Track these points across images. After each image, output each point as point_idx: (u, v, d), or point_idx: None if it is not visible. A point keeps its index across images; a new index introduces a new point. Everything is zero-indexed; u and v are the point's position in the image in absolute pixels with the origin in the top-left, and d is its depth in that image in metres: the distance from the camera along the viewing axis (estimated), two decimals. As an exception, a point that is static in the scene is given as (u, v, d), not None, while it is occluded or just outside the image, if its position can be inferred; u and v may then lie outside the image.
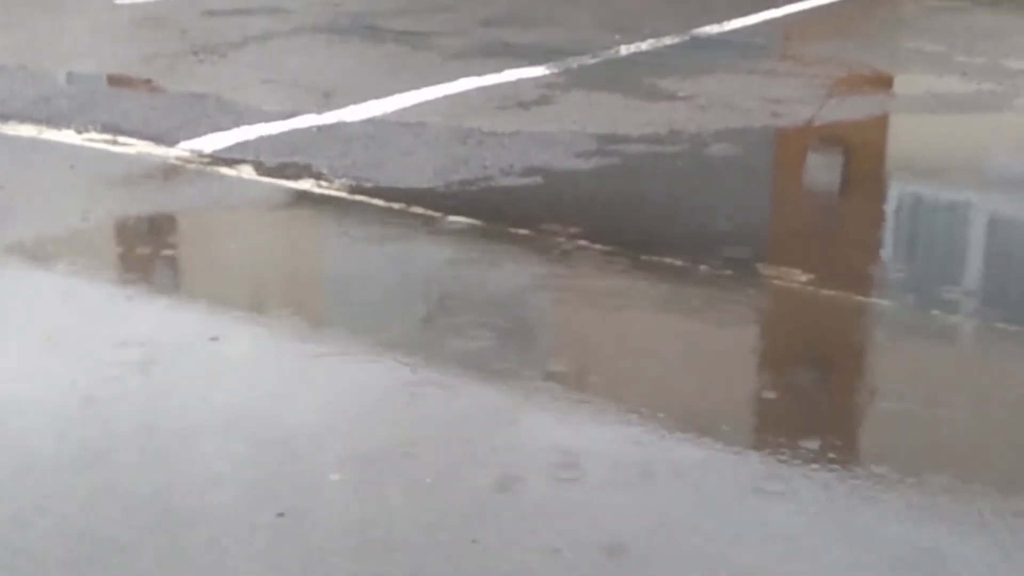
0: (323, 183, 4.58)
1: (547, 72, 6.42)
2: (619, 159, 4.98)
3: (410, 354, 3.19)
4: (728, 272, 3.81)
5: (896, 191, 4.86)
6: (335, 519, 2.46)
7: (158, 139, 5.11)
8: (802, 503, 2.52)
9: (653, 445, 2.74)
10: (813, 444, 2.75)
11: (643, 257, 3.91)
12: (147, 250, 4.11)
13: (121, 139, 5.13)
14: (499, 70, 6.38)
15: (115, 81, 6.32)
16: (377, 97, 5.76)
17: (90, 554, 2.33)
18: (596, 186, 4.68)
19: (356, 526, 2.43)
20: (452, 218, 4.22)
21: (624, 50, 7.10)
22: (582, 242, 4.01)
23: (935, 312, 3.59)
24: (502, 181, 4.65)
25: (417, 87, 5.95)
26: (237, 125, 5.28)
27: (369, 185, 4.55)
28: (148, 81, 6.18)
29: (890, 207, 4.68)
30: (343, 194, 4.48)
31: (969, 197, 4.69)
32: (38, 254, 3.92)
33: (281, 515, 2.45)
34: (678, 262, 3.86)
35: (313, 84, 6.05)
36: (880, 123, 5.81)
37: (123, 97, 5.89)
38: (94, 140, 5.13)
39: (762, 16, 8.22)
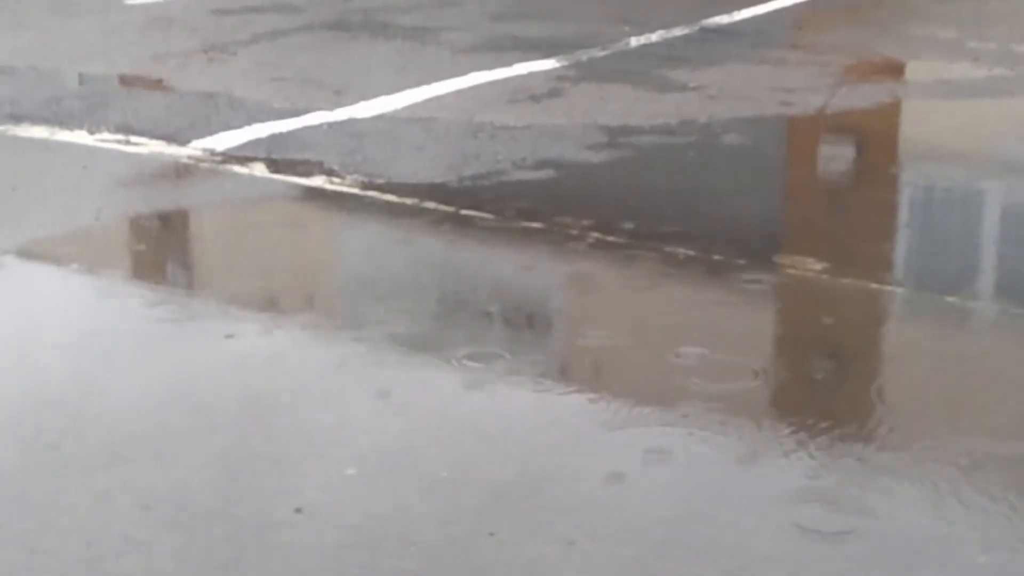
0: (335, 180, 4.59)
1: (557, 65, 6.42)
2: (631, 151, 4.98)
3: (424, 348, 3.19)
4: (742, 261, 3.80)
5: (909, 178, 4.85)
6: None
7: (170, 138, 5.12)
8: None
9: (668, 432, 2.75)
10: (831, 431, 2.76)
11: (656, 248, 3.90)
12: (160, 248, 4.12)
13: (133, 139, 5.14)
14: (509, 64, 6.38)
15: (126, 81, 6.33)
16: (387, 93, 5.77)
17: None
18: (608, 178, 4.67)
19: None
20: (465, 212, 4.23)
21: (634, 42, 7.10)
22: (595, 234, 4.01)
23: (951, 299, 3.58)
24: (514, 175, 4.65)
25: (427, 82, 5.96)
26: (248, 123, 5.30)
27: (381, 181, 4.56)
28: (159, 81, 6.20)
29: (903, 194, 4.67)
30: (355, 190, 4.49)
31: (983, 183, 4.68)
32: (52, 254, 3.93)
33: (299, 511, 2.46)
34: (691, 252, 3.86)
35: (323, 81, 6.06)
36: (892, 110, 5.79)
37: (134, 97, 5.91)
38: (106, 140, 5.15)
39: (772, 5, 8.21)
